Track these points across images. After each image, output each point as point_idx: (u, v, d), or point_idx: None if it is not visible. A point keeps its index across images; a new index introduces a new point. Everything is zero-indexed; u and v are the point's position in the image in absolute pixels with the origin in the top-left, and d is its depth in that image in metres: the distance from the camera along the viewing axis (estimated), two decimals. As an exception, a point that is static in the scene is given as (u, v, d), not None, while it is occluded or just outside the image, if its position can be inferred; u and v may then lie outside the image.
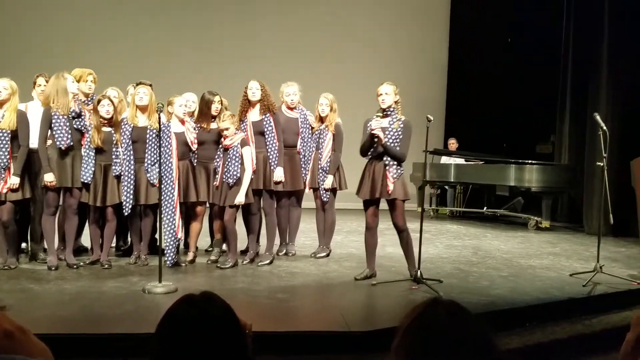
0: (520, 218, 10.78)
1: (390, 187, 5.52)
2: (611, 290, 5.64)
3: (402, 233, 5.70)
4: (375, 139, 5.58)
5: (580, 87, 10.36)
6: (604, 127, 6.19)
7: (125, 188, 6.07)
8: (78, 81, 6.27)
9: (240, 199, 6.13)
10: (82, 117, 6.03)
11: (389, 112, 5.64)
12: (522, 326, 4.79)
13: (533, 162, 10.09)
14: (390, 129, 5.57)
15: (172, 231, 6.08)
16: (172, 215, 6.07)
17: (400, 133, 5.56)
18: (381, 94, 5.64)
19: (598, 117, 6.34)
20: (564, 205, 11.05)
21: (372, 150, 5.67)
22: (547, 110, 11.65)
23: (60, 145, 5.86)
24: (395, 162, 5.56)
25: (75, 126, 5.96)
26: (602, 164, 6.13)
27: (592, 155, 9.29)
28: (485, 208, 11.46)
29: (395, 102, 5.67)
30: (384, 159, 5.57)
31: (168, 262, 6.08)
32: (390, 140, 5.55)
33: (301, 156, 6.85)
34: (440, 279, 5.73)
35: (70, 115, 5.92)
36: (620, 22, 9.31)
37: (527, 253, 7.61)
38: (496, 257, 7.29)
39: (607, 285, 5.73)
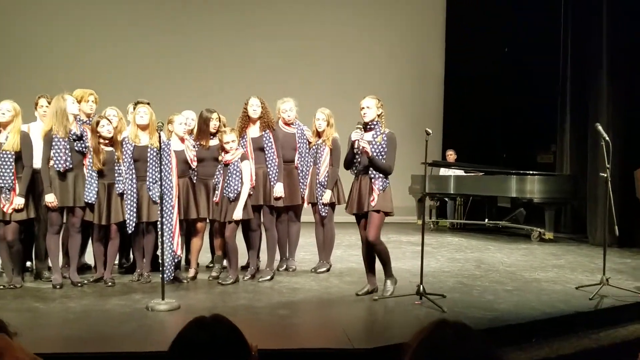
0: (522, 229, 10.76)
1: (375, 198, 5.47)
2: (618, 303, 5.60)
3: (375, 247, 5.60)
4: (356, 149, 5.54)
5: (581, 95, 10.39)
6: (607, 138, 6.15)
7: (128, 206, 6.10)
8: (79, 101, 6.31)
9: (237, 214, 6.13)
10: (84, 139, 6.06)
11: (372, 126, 5.61)
12: (528, 341, 4.75)
13: (534, 172, 10.06)
14: (374, 143, 5.53)
15: (171, 248, 6.07)
16: (171, 232, 6.06)
17: (384, 146, 5.52)
18: (363, 108, 5.60)
19: (600, 127, 6.30)
20: (567, 215, 11.01)
21: (356, 164, 5.64)
22: (547, 119, 11.65)
23: (58, 168, 5.90)
24: (382, 175, 5.51)
25: (76, 148, 5.99)
26: (605, 175, 6.10)
27: (594, 165, 9.28)
28: (486, 220, 11.43)
29: (379, 116, 5.62)
30: (370, 172, 5.53)
31: (166, 278, 6.06)
32: (375, 154, 5.51)
33: (299, 171, 6.86)
34: (444, 294, 5.69)
35: (70, 138, 5.95)
36: (620, 29, 9.33)
37: (531, 266, 7.57)
38: (500, 270, 7.26)
39: (614, 298, 5.69)
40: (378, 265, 5.85)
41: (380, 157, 5.51)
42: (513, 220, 11.11)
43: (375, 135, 5.57)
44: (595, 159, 9.14)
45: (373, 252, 5.77)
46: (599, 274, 6.19)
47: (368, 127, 5.61)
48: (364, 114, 5.59)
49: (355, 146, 5.54)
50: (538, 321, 5.02)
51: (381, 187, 5.49)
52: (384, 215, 5.56)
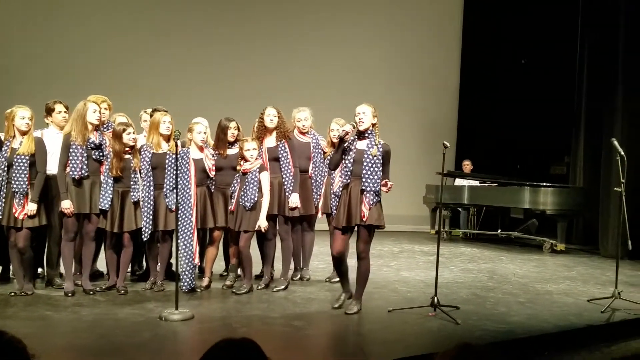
0: (534, 240, 10.73)
1: (365, 213, 5.30)
2: (630, 316, 5.59)
3: (363, 260, 5.48)
4: (343, 135, 5.41)
5: (595, 107, 10.35)
6: (622, 152, 6.15)
7: (145, 214, 6.10)
8: None
9: (263, 223, 6.16)
10: (103, 148, 6.03)
11: (366, 135, 5.42)
12: (540, 355, 4.76)
13: (548, 184, 10.06)
14: (368, 153, 5.34)
15: (189, 256, 6.08)
16: (190, 240, 6.08)
17: (380, 159, 5.32)
18: (358, 113, 5.40)
19: (615, 142, 6.31)
20: (578, 227, 10.98)
21: (347, 171, 5.40)
22: (562, 130, 11.63)
23: (73, 176, 5.88)
24: (374, 191, 5.30)
25: (93, 157, 5.98)
26: (620, 190, 6.09)
27: (608, 178, 9.26)
28: (499, 230, 11.42)
29: (373, 125, 5.42)
30: (362, 184, 5.32)
31: (185, 287, 6.08)
32: (369, 166, 5.31)
33: (313, 181, 6.82)
34: (457, 306, 5.69)
35: (88, 146, 5.94)
36: (637, 43, 9.30)
37: (543, 277, 7.56)
38: (512, 281, 7.24)
39: (626, 312, 5.68)
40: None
41: (376, 169, 5.31)
42: (525, 230, 11.09)
43: (370, 145, 5.37)
44: (609, 172, 9.11)
45: (346, 264, 5.68)
46: (610, 286, 6.18)
47: (362, 135, 5.43)
48: (360, 119, 5.38)
49: (342, 134, 5.41)
50: (550, 334, 5.03)
51: (372, 202, 5.30)
52: (374, 230, 5.44)
